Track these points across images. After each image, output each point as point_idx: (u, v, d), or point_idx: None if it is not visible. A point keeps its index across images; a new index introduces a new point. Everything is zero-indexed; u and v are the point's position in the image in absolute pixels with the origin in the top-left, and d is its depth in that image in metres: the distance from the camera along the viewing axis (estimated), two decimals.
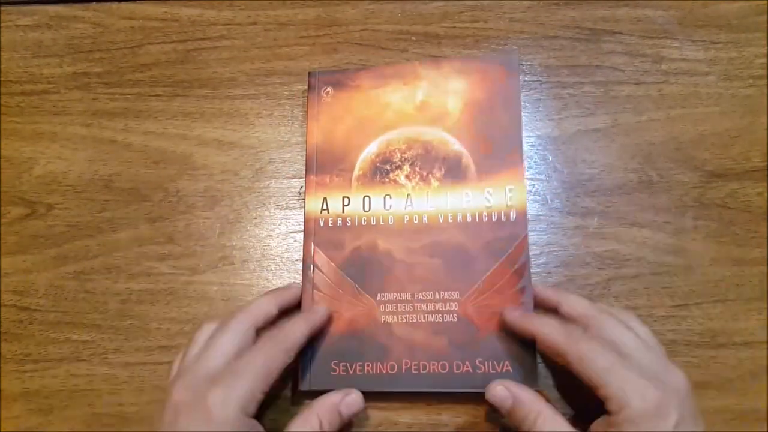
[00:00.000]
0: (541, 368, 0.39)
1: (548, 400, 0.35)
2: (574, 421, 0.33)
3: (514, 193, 0.40)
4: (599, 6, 0.47)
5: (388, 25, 0.48)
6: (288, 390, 0.39)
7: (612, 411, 0.31)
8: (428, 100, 0.43)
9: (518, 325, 0.36)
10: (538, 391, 0.35)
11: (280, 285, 0.41)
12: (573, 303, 0.36)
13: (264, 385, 0.33)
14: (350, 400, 0.36)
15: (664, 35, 0.46)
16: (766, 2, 0.47)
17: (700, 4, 0.47)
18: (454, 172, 0.41)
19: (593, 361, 0.32)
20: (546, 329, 0.34)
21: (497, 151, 0.41)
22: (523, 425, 0.33)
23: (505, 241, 0.39)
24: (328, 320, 0.39)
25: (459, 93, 0.43)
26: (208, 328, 0.36)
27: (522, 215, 0.39)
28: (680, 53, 0.46)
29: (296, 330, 0.36)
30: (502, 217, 0.40)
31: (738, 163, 0.43)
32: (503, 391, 0.34)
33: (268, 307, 0.37)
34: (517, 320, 0.36)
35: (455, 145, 0.42)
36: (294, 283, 0.41)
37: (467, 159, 0.41)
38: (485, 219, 0.40)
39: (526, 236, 0.39)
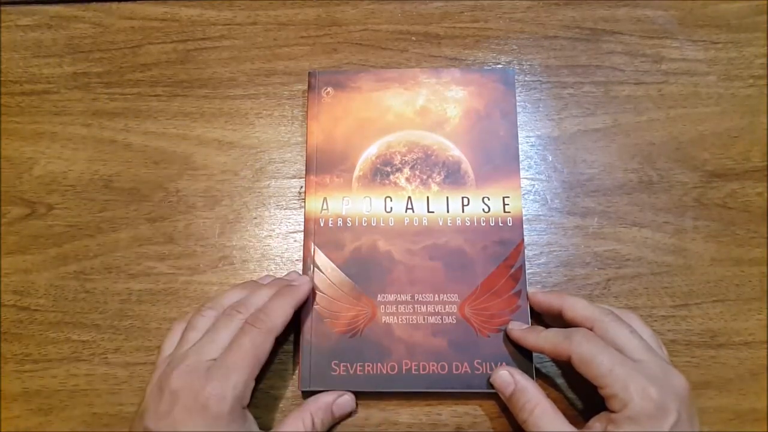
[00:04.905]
0: (540, 369, 0.39)
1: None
2: (569, 419, 0.33)
3: (511, 201, 0.41)
4: (599, 6, 0.47)
5: (388, 25, 0.48)
6: (288, 390, 0.39)
7: (614, 409, 0.32)
8: (428, 106, 0.43)
9: (522, 341, 0.37)
10: None
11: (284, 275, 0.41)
12: (576, 306, 0.36)
13: (256, 372, 0.34)
14: (343, 401, 0.37)
15: (664, 35, 0.46)
16: (766, 2, 0.47)
17: (700, 4, 0.47)
18: (453, 177, 0.42)
19: (597, 362, 0.32)
20: (548, 340, 0.35)
21: (495, 160, 0.42)
22: (520, 413, 0.34)
23: (502, 246, 0.40)
24: (312, 292, 0.39)
25: (458, 102, 0.43)
26: (209, 314, 0.36)
27: (518, 221, 0.40)
28: (680, 53, 0.46)
29: (281, 312, 0.35)
30: (500, 223, 0.40)
31: (738, 163, 0.43)
32: (507, 377, 0.36)
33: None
34: (521, 338, 0.37)
35: (454, 151, 0.42)
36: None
37: (466, 165, 0.42)
38: (483, 224, 0.40)
39: (522, 241, 0.40)
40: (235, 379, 0.32)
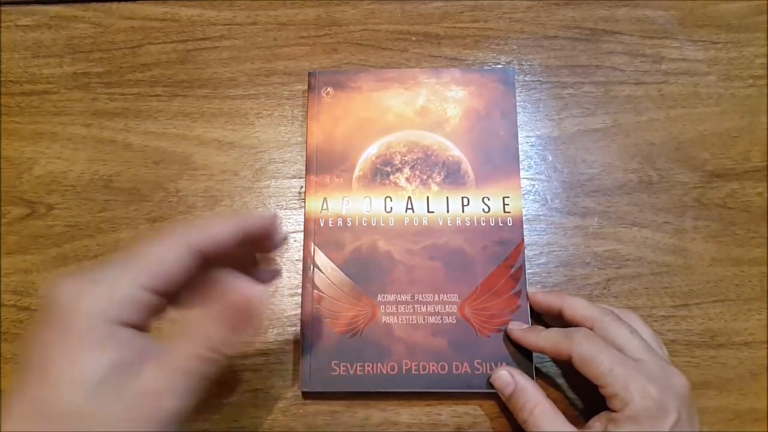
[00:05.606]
0: (540, 369, 0.39)
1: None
2: (569, 419, 0.34)
3: (511, 201, 0.41)
4: (599, 6, 0.47)
5: (388, 25, 0.48)
6: (288, 390, 0.39)
7: (614, 409, 0.32)
8: (428, 105, 0.43)
9: (523, 341, 0.37)
10: None
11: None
12: (576, 306, 0.36)
13: (144, 281, 0.25)
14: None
15: (664, 35, 0.46)
16: (766, 2, 0.47)
17: (700, 4, 0.47)
18: (453, 177, 0.42)
19: (597, 361, 0.32)
20: (549, 339, 0.35)
21: (495, 160, 0.42)
22: (520, 413, 0.34)
23: (502, 246, 0.40)
24: (273, 228, 0.30)
25: (458, 101, 0.43)
26: None
27: (518, 222, 0.40)
28: (680, 53, 0.46)
29: (216, 224, 0.27)
30: (500, 223, 0.40)
31: (738, 163, 0.43)
32: (507, 377, 0.36)
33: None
34: (522, 337, 0.37)
35: (454, 151, 0.42)
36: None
37: (466, 165, 0.42)
38: (483, 224, 0.40)
39: (522, 241, 0.40)
40: (108, 279, 0.24)
